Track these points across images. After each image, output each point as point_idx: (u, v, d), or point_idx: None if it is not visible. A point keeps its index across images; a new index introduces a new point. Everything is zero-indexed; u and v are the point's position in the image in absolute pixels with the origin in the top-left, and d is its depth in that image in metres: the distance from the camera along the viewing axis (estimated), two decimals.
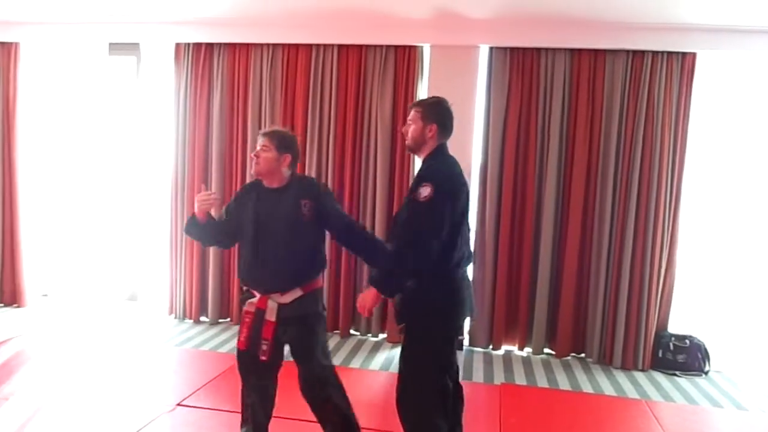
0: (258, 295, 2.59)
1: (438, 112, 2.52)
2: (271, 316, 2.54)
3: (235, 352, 2.70)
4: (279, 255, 2.55)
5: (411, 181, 4.83)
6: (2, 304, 5.58)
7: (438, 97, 2.62)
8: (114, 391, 3.64)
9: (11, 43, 5.35)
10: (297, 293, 2.57)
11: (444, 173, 2.42)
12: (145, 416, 3.24)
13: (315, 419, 2.69)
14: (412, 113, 2.56)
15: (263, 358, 2.55)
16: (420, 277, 2.41)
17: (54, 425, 3.15)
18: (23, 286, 5.54)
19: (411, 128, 2.54)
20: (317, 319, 2.65)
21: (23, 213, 5.51)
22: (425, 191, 2.31)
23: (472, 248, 2.65)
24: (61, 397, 3.49)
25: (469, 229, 2.57)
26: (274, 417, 2.81)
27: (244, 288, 2.70)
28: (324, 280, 5.04)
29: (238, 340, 2.61)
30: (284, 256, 2.55)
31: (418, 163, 4.85)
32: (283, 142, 2.60)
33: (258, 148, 2.59)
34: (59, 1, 4.66)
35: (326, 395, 2.62)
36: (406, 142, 2.59)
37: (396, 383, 2.54)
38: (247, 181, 5.04)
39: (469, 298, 2.54)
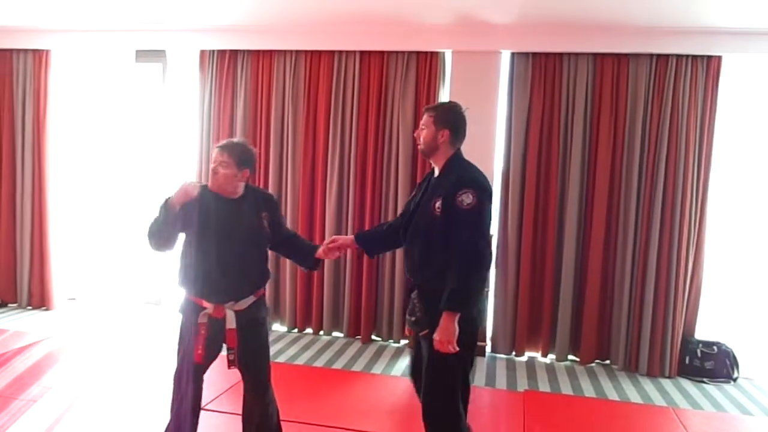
0: (210, 305, 2.55)
1: (451, 118, 2.51)
2: (231, 324, 2.55)
3: (180, 365, 2.63)
4: (240, 265, 2.57)
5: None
6: (31, 307, 5.69)
7: (452, 102, 2.63)
8: (138, 394, 3.68)
9: (42, 51, 5.48)
10: (250, 300, 2.62)
11: (479, 178, 2.43)
12: (167, 419, 3.26)
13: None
14: (425, 117, 2.55)
15: (233, 366, 2.57)
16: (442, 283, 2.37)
17: (79, 427, 3.20)
18: (51, 290, 5.64)
19: (424, 132, 2.53)
20: (266, 322, 2.73)
21: (52, 218, 5.62)
22: (468, 198, 2.32)
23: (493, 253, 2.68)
24: (87, 400, 3.54)
25: None
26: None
27: (189, 298, 2.62)
28: (344, 287, 5.07)
29: (195, 353, 2.52)
30: (245, 265, 2.59)
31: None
32: (243, 158, 2.57)
33: (215, 162, 2.55)
34: (88, 9, 4.77)
35: (270, 400, 2.71)
36: (419, 146, 2.58)
37: (424, 389, 2.49)
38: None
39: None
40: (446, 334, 2.30)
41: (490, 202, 2.43)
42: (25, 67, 5.53)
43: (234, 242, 2.55)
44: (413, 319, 2.52)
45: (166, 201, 2.51)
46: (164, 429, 2.70)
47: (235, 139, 2.69)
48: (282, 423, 2.82)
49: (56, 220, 5.67)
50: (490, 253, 2.37)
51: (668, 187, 4.49)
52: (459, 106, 2.57)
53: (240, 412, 2.75)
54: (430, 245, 2.42)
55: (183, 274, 2.63)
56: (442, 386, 2.43)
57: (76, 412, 3.36)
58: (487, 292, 2.59)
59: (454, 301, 2.31)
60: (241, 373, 2.67)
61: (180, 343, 2.65)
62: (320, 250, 2.76)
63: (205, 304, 2.56)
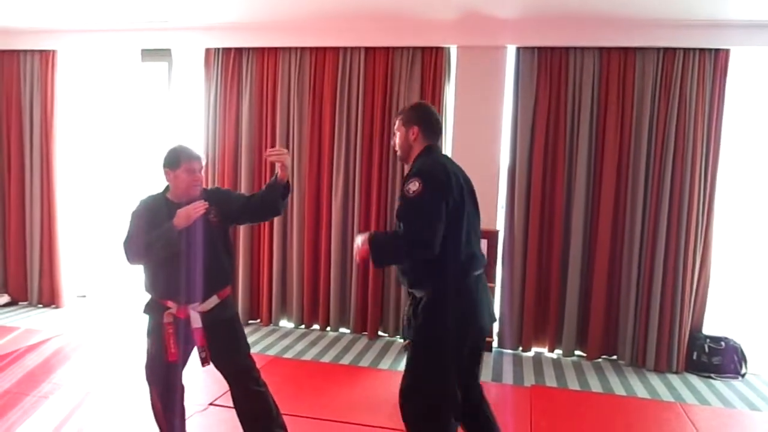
0: (174, 305, 2.61)
1: (417, 115, 2.48)
2: (196, 323, 2.61)
3: (148, 364, 2.68)
4: (200, 266, 2.60)
5: None
6: (41, 305, 5.75)
7: (418, 101, 2.59)
8: (147, 390, 3.70)
9: (49, 51, 5.52)
10: (215, 301, 2.67)
11: (430, 167, 2.36)
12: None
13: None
14: (396, 123, 2.54)
15: (206, 364, 2.63)
16: (429, 289, 2.35)
17: (90, 423, 3.24)
18: (61, 288, 5.71)
19: (396, 137, 2.53)
20: (238, 321, 2.80)
21: (61, 217, 5.68)
22: (413, 186, 2.28)
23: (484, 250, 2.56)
24: (98, 396, 3.58)
25: (477, 231, 2.48)
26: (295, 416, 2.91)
27: (155, 299, 2.68)
28: (351, 284, 5.09)
29: (168, 353, 2.59)
30: (204, 266, 2.61)
31: None
32: None
33: (198, 171, 2.63)
34: (94, 9, 4.79)
35: (261, 386, 2.73)
36: (398, 154, 2.55)
37: (399, 393, 2.42)
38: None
39: (484, 305, 2.42)
40: (361, 250, 2.34)
41: (440, 191, 2.30)
42: (32, 67, 5.58)
43: (189, 246, 2.58)
44: (407, 325, 2.47)
45: (171, 227, 2.51)
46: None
47: (182, 144, 2.72)
48: (290, 418, 2.84)
49: (65, 219, 5.73)
50: (427, 241, 2.24)
51: (676, 182, 4.46)
52: (425, 103, 2.57)
53: None
54: None
55: (148, 278, 2.68)
56: (422, 392, 2.35)
57: (87, 409, 3.40)
58: (471, 285, 2.41)
59: (375, 244, 2.33)
60: (221, 373, 2.73)
61: (149, 344, 2.69)
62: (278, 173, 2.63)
63: (170, 304, 2.62)
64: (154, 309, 2.68)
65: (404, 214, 2.31)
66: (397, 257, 2.39)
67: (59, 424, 3.19)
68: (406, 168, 2.57)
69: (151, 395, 2.70)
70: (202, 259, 2.60)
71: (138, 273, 2.74)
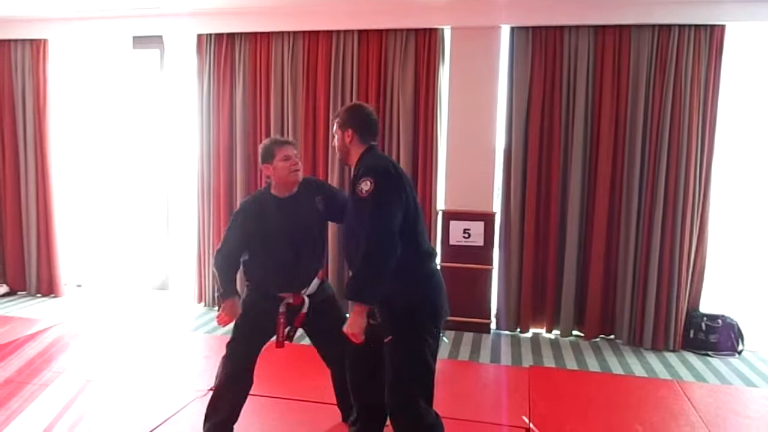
0: (290, 295, 2.74)
1: (352, 117, 2.48)
2: (304, 308, 2.75)
3: (233, 345, 2.75)
4: (310, 255, 2.74)
5: (433, 168, 4.84)
6: (40, 295, 5.76)
7: (353, 103, 2.60)
8: (147, 377, 3.73)
9: (40, 40, 5.48)
10: (316, 283, 2.81)
11: (378, 164, 2.36)
12: (178, 401, 3.32)
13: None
14: (334, 125, 2.55)
15: (281, 347, 2.76)
16: (402, 281, 2.30)
17: (90, 411, 3.25)
18: (59, 278, 5.72)
19: (335, 140, 2.55)
20: (335, 298, 2.92)
21: (57, 207, 5.67)
22: (366, 185, 2.26)
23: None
24: (97, 384, 3.60)
25: (423, 223, 2.48)
26: (290, 399, 3.04)
27: (267, 293, 2.76)
28: None
29: (277, 341, 2.75)
30: (313, 254, 2.76)
31: (441, 150, 4.85)
32: None
33: (296, 157, 2.69)
34: None
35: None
36: (338, 155, 2.58)
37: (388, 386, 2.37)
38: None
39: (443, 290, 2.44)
40: (352, 326, 2.28)
41: (393, 184, 2.29)
42: (24, 57, 5.54)
43: (301, 237, 2.68)
44: (375, 323, 2.38)
45: (222, 295, 2.72)
46: (215, 409, 2.76)
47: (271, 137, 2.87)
48: (288, 402, 2.93)
49: (61, 209, 5.72)
50: (392, 237, 2.22)
51: (672, 160, 4.44)
52: (360, 104, 2.57)
53: (257, 392, 2.87)
54: (357, 247, 2.32)
55: (261, 273, 2.76)
56: (405, 388, 2.33)
57: (87, 395, 3.42)
58: (432, 272, 2.43)
59: (348, 291, 2.29)
60: (323, 351, 2.89)
61: (242, 322, 2.76)
62: None
63: (285, 294, 2.74)
64: (261, 294, 2.77)
65: (362, 214, 2.28)
66: (376, 272, 2.23)
67: (60, 411, 3.21)
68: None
69: (220, 370, 2.75)
70: (312, 247, 2.74)
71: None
